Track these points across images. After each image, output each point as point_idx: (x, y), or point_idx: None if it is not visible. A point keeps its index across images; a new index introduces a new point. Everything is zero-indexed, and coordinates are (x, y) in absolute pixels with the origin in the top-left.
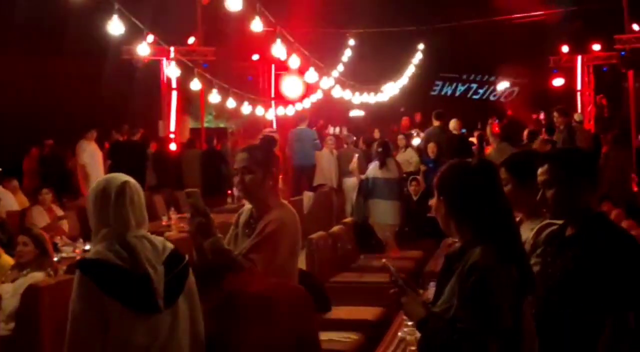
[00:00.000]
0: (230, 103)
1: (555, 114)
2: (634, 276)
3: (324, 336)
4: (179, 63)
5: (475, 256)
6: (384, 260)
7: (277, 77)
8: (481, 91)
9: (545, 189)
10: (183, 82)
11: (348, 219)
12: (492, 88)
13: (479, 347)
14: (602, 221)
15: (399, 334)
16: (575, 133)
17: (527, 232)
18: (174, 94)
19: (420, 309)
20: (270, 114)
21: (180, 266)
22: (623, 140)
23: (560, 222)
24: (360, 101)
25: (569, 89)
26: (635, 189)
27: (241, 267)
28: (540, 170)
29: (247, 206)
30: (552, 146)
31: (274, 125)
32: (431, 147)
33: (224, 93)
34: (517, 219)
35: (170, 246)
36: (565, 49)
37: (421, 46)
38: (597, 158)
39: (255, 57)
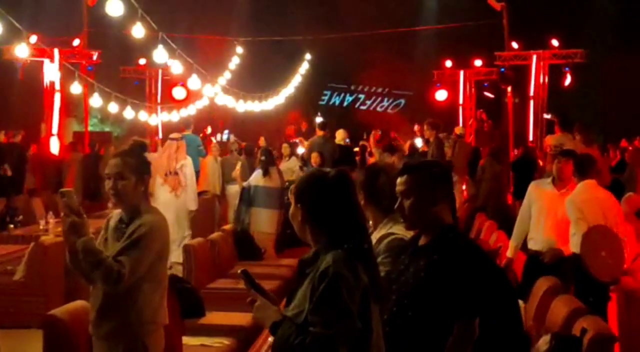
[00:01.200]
0: (112, 107)
1: (425, 126)
2: (478, 286)
3: (196, 340)
4: (62, 65)
5: (327, 261)
6: (239, 271)
7: (164, 82)
8: (369, 102)
9: (402, 199)
10: (66, 84)
11: (228, 226)
12: (379, 99)
13: (329, 351)
14: (453, 232)
15: (269, 339)
16: (449, 146)
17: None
18: (57, 96)
19: (273, 314)
20: (154, 120)
21: None
22: (499, 154)
23: (398, 233)
24: (244, 109)
25: (452, 103)
26: (510, 201)
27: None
28: (399, 180)
29: (117, 210)
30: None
31: (159, 131)
32: (314, 157)
33: (106, 97)
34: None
35: None
36: (448, 63)
37: (308, 56)
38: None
39: (142, 61)
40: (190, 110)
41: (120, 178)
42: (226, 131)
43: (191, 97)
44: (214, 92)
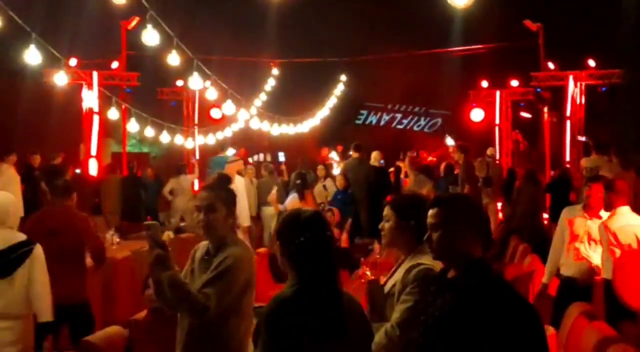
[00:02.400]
0: (149, 132)
1: (455, 149)
2: (502, 324)
3: None
4: (100, 89)
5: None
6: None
7: (201, 103)
8: (405, 121)
9: (432, 231)
10: (104, 107)
11: (263, 249)
12: (415, 118)
13: None
14: (480, 268)
15: None
16: (480, 168)
17: (402, 272)
18: (96, 118)
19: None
20: (190, 143)
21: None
22: (535, 175)
23: (427, 263)
24: (279, 132)
25: (488, 123)
26: (547, 223)
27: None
28: (430, 213)
29: (204, 242)
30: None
31: (197, 153)
32: (339, 180)
33: (143, 121)
34: (401, 258)
35: (21, 237)
36: (484, 83)
37: (343, 78)
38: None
39: (180, 83)
40: (227, 132)
41: (212, 211)
42: (281, 153)
43: (226, 120)
44: (249, 115)
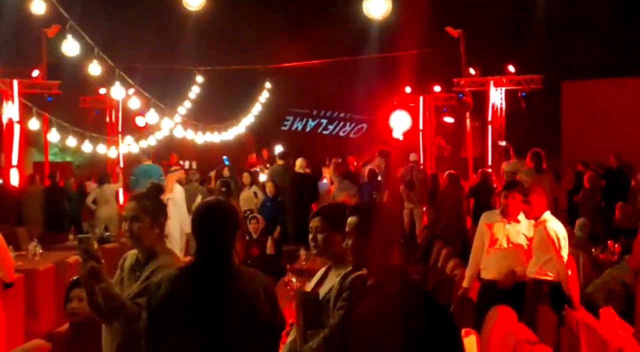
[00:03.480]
0: (71, 141)
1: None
2: (416, 329)
3: None
4: (21, 98)
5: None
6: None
7: (124, 111)
8: (331, 127)
9: (349, 239)
10: (24, 116)
11: (188, 258)
12: (341, 124)
13: None
14: (396, 274)
15: None
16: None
17: (333, 279)
18: (17, 127)
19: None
20: (113, 152)
21: None
22: (459, 179)
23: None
24: (204, 140)
25: (412, 128)
26: (469, 226)
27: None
28: (348, 221)
29: (132, 251)
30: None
31: (121, 161)
32: (269, 186)
33: (65, 130)
34: (326, 265)
35: None
36: (408, 89)
37: (268, 85)
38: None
39: (102, 91)
40: (150, 141)
41: (137, 220)
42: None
43: (150, 128)
44: (173, 123)
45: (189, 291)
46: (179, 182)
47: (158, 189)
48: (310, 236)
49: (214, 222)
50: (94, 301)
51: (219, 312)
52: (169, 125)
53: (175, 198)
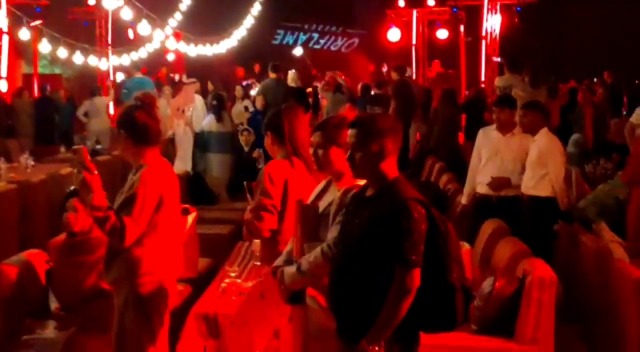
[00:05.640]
0: (62, 52)
1: (392, 70)
2: (414, 238)
3: None
4: (9, 9)
5: None
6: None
7: (115, 23)
8: (322, 41)
9: (351, 150)
10: (14, 28)
11: (181, 171)
12: (333, 38)
13: None
14: (396, 186)
15: (222, 285)
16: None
17: (334, 193)
18: (5, 38)
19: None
20: (104, 64)
21: None
22: (452, 95)
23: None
24: (196, 53)
25: (405, 43)
26: (462, 142)
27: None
28: (349, 133)
29: None
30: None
31: (111, 74)
32: (258, 100)
33: (56, 41)
34: (327, 179)
35: None
36: (401, 3)
37: None
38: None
39: (92, 1)
40: (141, 53)
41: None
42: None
43: (142, 40)
44: (164, 35)
45: None
46: (196, 92)
47: (136, 105)
48: (311, 150)
49: None
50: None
51: None
52: (161, 37)
53: (197, 107)
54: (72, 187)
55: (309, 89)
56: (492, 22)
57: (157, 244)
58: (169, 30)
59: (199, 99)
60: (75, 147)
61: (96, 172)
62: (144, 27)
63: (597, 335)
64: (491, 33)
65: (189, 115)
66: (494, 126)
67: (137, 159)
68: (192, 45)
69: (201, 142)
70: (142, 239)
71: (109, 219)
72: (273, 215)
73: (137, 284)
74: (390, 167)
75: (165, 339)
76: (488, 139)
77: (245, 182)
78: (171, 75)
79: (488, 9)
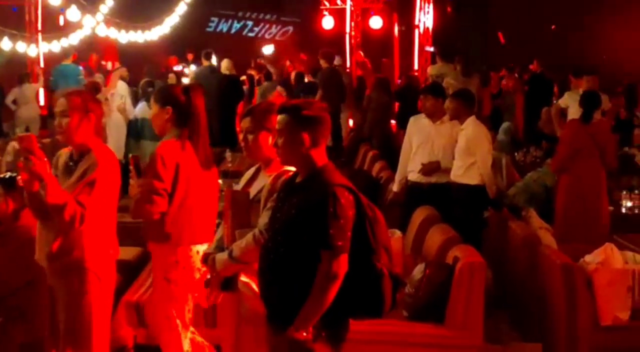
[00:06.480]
0: None
1: (320, 58)
2: (341, 224)
3: None
4: None
5: None
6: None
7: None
8: (257, 29)
9: (278, 137)
10: None
11: None
12: (267, 26)
13: None
14: (324, 172)
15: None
16: (340, 75)
17: (264, 179)
18: None
19: None
20: (33, 50)
21: None
22: (386, 83)
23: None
24: (127, 40)
25: (339, 31)
26: (395, 130)
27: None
28: (277, 119)
29: (65, 149)
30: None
31: (41, 61)
32: None
33: None
34: (256, 166)
35: None
36: None
37: None
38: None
39: None
40: (72, 40)
41: (64, 116)
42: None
43: (71, 26)
44: (95, 21)
45: None
46: (122, 78)
47: (93, 87)
48: (241, 136)
49: None
50: (35, 199)
51: None
52: (91, 23)
53: (119, 93)
54: (6, 175)
55: (243, 77)
56: (425, 11)
57: (105, 225)
58: (100, 16)
59: (121, 85)
60: (21, 134)
61: (46, 159)
62: (73, 13)
63: (527, 320)
64: (424, 22)
65: (121, 102)
66: (424, 114)
67: (86, 142)
68: (123, 31)
69: (135, 129)
70: (93, 220)
71: (68, 204)
72: (164, 198)
73: (84, 266)
74: (318, 154)
75: (107, 324)
76: (418, 126)
77: (131, 156)
78: (103, 63)
79: None
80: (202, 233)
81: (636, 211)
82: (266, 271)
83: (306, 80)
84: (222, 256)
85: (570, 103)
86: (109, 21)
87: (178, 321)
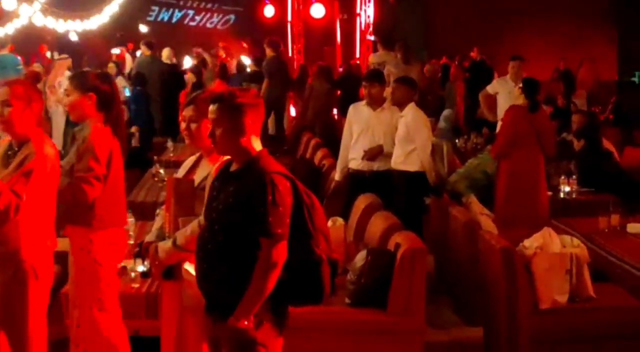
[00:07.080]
0: None
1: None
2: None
3: None
4: None
5: None
6: None
7: None
8: (198, 18)
9: (213, 127)
10: None
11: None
12: (209, 15)
13: None
14: (260, 159)
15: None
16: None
17: (207, 167)
18: None
19: None
20: None
21: None
22: (328, 71)
23: None
24: (65, 29)
25: (280, 20)
26: (336, 119)
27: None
28: (210, 109)
29: (5, 139)
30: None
31: None
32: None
33: None
34: (197, 154)
35: None
36: None
37: None
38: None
39: None
40: (8, 29)
41: (7, 105)
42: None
43: (7, 16)
44: (32, 11)
45: None
46: (68, 68)
47: (35, 76)
48: (183, 125)
49: None
50: None
51: None
52: (28, 12)
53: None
54: None
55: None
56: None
57: (42, 216)
58: (37, 5)
59: (68, 75)
60: None
61: None
62: (9, 2)
63: (468, 305)
64: (365, 10)
65: (61, 92)
66: (364, 102)
67: (26, 133)
68: (61, 21)
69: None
70: (30, 211)
71: (3, 194)
72: (101, 183)
73: (20, 258)
74: (252, 142)
75: (44, 315)
76: (359, 114)
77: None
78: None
79: None
80: (125, 215)
81: (574, 196)
82: (203, 262)
83: (249, 69)
84: (165, 244)
85: (499, 89)
86: (46, 10)
87: (105, 305)
